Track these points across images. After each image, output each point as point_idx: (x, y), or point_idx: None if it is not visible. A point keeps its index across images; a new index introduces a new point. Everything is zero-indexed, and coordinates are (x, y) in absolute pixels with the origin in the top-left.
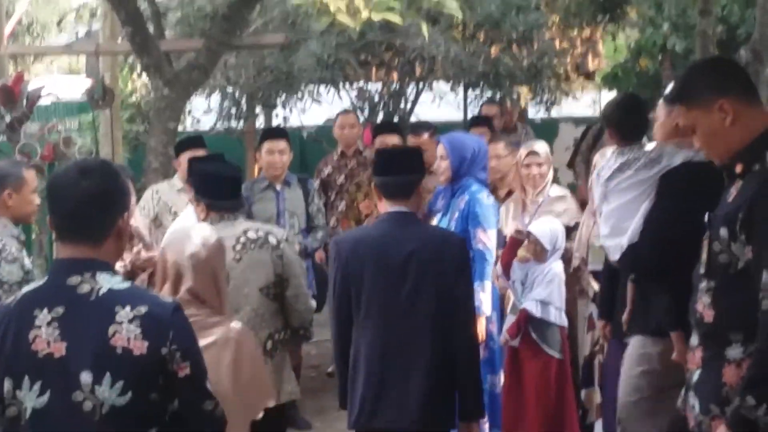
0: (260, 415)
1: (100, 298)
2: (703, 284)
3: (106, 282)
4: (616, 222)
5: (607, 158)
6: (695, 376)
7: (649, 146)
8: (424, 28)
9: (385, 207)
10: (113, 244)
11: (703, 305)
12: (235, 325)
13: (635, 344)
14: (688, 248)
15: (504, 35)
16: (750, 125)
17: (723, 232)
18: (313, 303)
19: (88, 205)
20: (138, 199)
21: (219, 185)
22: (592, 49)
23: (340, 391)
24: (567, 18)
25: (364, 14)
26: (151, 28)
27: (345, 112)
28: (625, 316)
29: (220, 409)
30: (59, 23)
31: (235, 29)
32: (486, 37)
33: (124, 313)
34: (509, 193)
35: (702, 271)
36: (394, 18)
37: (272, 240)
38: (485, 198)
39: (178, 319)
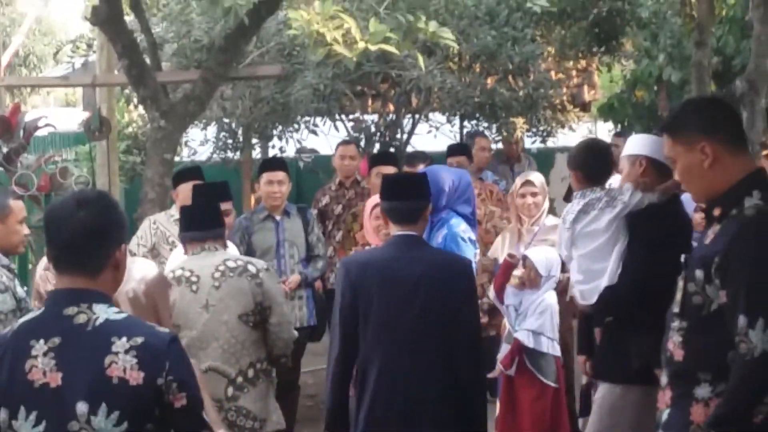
0: None
1: (97, 329)
2: (675, 323)
3: (102, 312)
4: (588, 266)
5: (571, 203)
6: (664, 416)
7: (609, 185)
8: (420, 59)
9: (392, 230)
10: (110, 276)
11: (674, 344)
12: None
13: (604, 394)
14: (667, 289)
15: (500, 66)
16: (729, 171)
17: (698, 273)
18: (295, 333)
19: (85, 237)
20: (135, 230)
21: (196, 216)
22: (588, 80)
23: (329, 412)
24: (562, 49)
25: (361, 45)
26: (147, 60)
27: (345, 142)
28: (590, 363)
29: None
30: (56, 55)
31: (232, 61)
32: (482, 68)
33: (121, 344)
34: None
35: (675, 310)
36: (391, 49)
37: (251, 269)
38: (462, 233)
39: (174, 350)
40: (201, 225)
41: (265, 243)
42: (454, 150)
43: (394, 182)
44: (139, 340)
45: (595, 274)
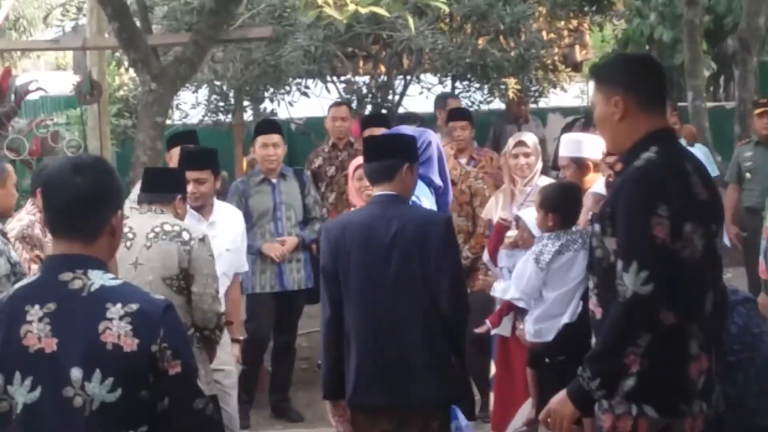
0: None
1: (92, 295)
2: (590, 282)
3: (98, 279)
4: (555, 306)
5: (543, 243)
6: None
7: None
8: (411, 21)
9: (374, 192)
10: (106, 242)
11: (593, 304)
12: None
13: None
14: None
15: (491, 27)
16: (638, 128)
17: (596, 227)
18: (221, 308)
19: (82, 202)
20: (127, 193)
21: (150, 179)
22: (580, 40)
23: (325, 378)
24: (554, 9)
25: (351, 7)
26: (137, 23)
27: (337, 104)
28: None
29: (210, 407)
30: (46, 18)
31: (222, 23)
32: (473, 28)
33: (115, 310)
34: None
35: (588, 269)
36: (381, 11)
37: (185, 236)
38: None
39: (169, 318)
40: (152, 187)
41: (262, 206)
42: (457, 114)
43: (370, 143)
44: (134, 306)
45: (558, 313)
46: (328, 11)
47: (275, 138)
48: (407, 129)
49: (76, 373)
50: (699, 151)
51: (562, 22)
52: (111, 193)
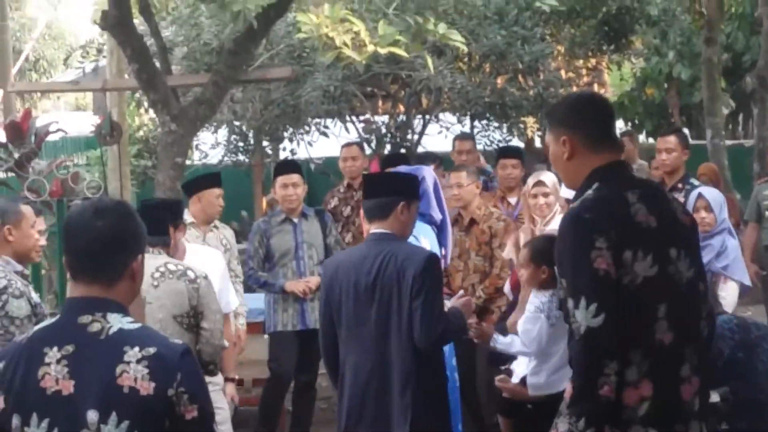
0: None
1: (110, 338)
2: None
3: (116, 322)
4: (564, 357)
5: (544, 299)
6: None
7: None
8: (429, 61)
9: (371, 230)
10: (126, 285)
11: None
12: None
13: None
14: None
15: (510, 66)
16: (586, 166)
17: (557, 269)
18: (226, 343)
19: (102, 246)
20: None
21: (146, 219)
22: (598, 79)
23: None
24: (572, 48)
25: (370, 48)
26: (157, 64)
27: (348, 144)
28: None
29: None
30: (66, 60)
31: (242, 63)
32: (492, 68)
33: (133, 353)
34: (472, 221)
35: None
36: (400, 51)
37: (190, 274)
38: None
39: (187, 362)
40: (150, 229)
41: (284, 245)
42: (506, 152)
43: (368, 181)
44: (152, 350)
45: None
46: (346, 52)
47: (295, 178)
48: (404, 168)
49: (92, 415)
50: (708, 193)
51: (581, 61)
52: (132, 236)
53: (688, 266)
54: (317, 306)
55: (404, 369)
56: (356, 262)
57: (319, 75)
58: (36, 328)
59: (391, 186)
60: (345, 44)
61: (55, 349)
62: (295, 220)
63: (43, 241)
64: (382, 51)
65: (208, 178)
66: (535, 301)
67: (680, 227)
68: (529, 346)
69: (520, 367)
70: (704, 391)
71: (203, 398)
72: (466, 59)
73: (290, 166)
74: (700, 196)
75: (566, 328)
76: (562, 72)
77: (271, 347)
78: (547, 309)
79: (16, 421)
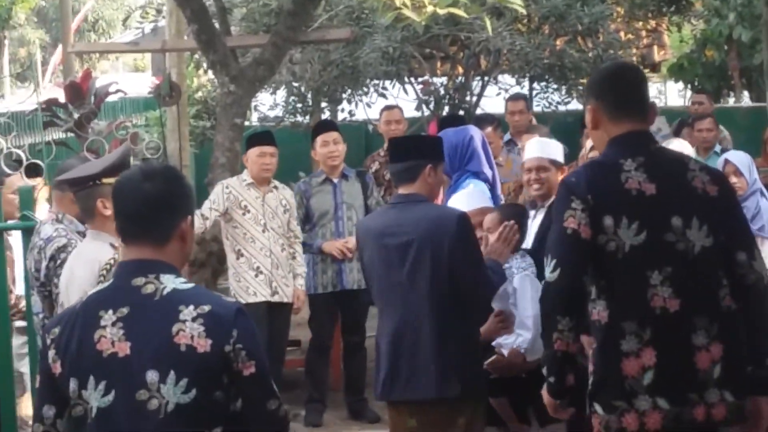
0: None
1: (164, 298)
2: None
3: (170, 282)
4: None
5: (515, 261)
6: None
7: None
8: (488, 23)
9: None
10: (177, 246)
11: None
12: None
13: None
14: None
15: (569, 28)
16: (606, 135)
17: None
18: None
19: (150, 208)
20: (205, 195)
21: None
22: (658, 41)
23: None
24: (632, 10)
25: (429, 9)
26: (216, 25)
27: (389, 107)
28: None
29: (284, 408)
30: (125, 21)
31: (301, 25)
32: (551, 29)
33: (188, 312)
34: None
35: None
36: (459, 12)
37: None
38: (465, 190)
39: (242, 319)
40: None
41: (323, 206)
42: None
43: (394, 144)
44: (206, 308)
45: None
46: (406, 13)
47: (335, 135)
48: (453, 131)
49: (151, 375)
50: (735, 156)
51: (640, 23)
52: (180, 198)
53: (706, 234)
54: (355, 266)
55: (438, 329)
56: (385, 223)
57: (377, 36)
58: (90, 292)
59: (418, 149)
60: (404, 5)
61: (110, 312)
62: (335, 180)
63: None
64: (441, 12)
65: (252, 137)
66: (514, 262)
67: (695, 196)
68: (529, 308)
69: (508, 340)
70: (734, 358)
71: (260, 355)
72: (525, 21)
73: (329, 125)
74: (727, 162)
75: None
76: (622, 34)
77: (311, 308)
78: (528, 266)
79: (73, 384)
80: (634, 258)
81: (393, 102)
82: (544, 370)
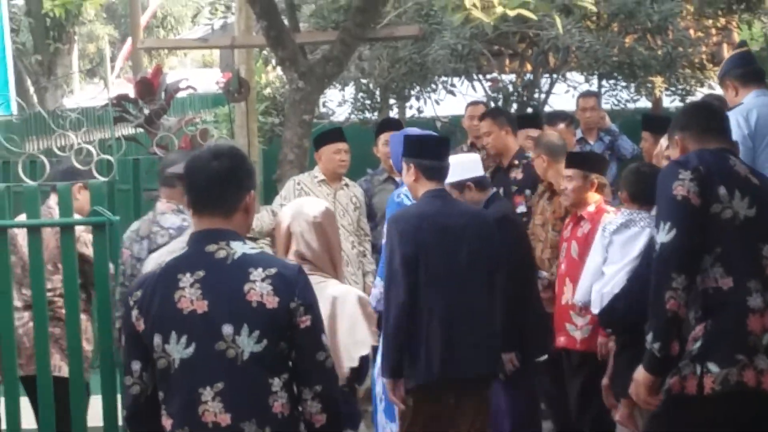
0: (356, 363)
1: (236, 262)
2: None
3: (239, 248)
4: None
5: (612, 215)
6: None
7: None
8: (558, 21)
9: (425, 186)
10: (241, 218)
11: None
12: (338, 285)
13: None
14: None
15: (638, 25)
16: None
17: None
18: None
19: (220, 183)
20: (273, 191)
21: None
22: (727, 38)
23: (392, 358)
24: (702, 7)
25: (498, 10)
26: (285, 21)
27: (474, 103)
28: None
29: (331, 360)
30: (195, 17)
31: (369, 21)
32: (620, 26)
33: (257, 273)
34: (554, 192)
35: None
36: (528, 13)
37: None
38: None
39: (302, 279)
40: None
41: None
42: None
43: (429, 142)
44: (273, 270)
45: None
46: (475, 14)
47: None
48: (415, 130)
49: (227, 328)
50: None
51: (710, 20)
52: (245, 175)
53: None
54: None
55: (489, 311)
56: (440, 213)
57: (446, 33)
58: (168, 259)
59: (447, 152)
60: (474, 5)
61: (188, 274)
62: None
63: None
64: (511, 13)
65: (324, 134)
66: (605, 218)
67: None
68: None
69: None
70: None
71: (316, 310)
72: (594, 18)
73: (393, 124)
74: None
75: (620, 252)
76: (691, 31)
77: None
78: (606, 223)
79: (157, 339)
80: (748, 228)
81: (461, 99)
82: (649, 338)
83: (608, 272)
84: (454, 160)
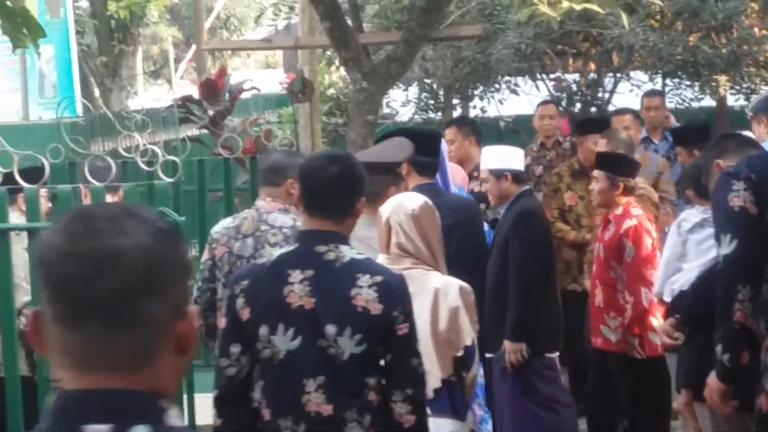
0: (460, 353)
1: (345, 265)
2: None
3: (348, 252)
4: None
5: (688, 212)
6: None
7: None
8: (624, 17)
9: (416, 180)
10: (351, 222)
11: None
12: (440, 277)
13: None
14: None
15: (702, 23)
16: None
17: None
18: None
19: (335, 187)
20: None
21: None
22: None
23: None
24: (766, 5)
25: (565, 4)
26: (348, 22)
27: (545, 102)
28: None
29: (422, 367)
30: (258, 18)
31: (433, 21)
32: (684, 25)
33: (364, 280)
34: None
35: None
36: (594, 7)
37: None
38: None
39: (404, 288)
40: None
41: None
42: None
43: (427, 139)
44: (379, 278)
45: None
46: (542, 9)
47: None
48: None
49: (330, 328)
50: None
51: None
52: (358, 181)
53: None
54: None
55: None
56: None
57: (510, 33)
58: (277, 253)
59: (439, 147)
60: (540, 0)
61: (298, 271)
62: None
63: None
64: (578, 7)
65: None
66: (681, 214)
67: None
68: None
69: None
70: None
71: (412, 318)
72: (658, 16)
73: (462, 121)
74: None
75: (699, 251)
76: (756, 29)
77: None
78: (681, 220)
79: (263, 330)
80: None
81: (525, 99)
82: (718, 348)
83: (686, 268)
84: (499, 149)
